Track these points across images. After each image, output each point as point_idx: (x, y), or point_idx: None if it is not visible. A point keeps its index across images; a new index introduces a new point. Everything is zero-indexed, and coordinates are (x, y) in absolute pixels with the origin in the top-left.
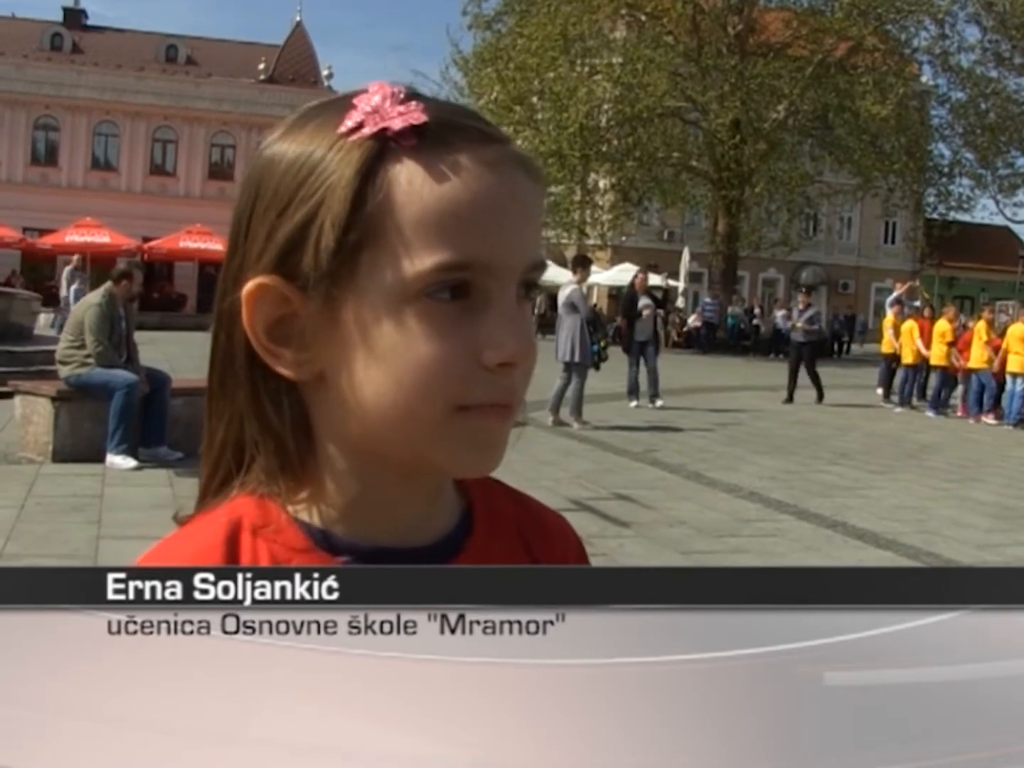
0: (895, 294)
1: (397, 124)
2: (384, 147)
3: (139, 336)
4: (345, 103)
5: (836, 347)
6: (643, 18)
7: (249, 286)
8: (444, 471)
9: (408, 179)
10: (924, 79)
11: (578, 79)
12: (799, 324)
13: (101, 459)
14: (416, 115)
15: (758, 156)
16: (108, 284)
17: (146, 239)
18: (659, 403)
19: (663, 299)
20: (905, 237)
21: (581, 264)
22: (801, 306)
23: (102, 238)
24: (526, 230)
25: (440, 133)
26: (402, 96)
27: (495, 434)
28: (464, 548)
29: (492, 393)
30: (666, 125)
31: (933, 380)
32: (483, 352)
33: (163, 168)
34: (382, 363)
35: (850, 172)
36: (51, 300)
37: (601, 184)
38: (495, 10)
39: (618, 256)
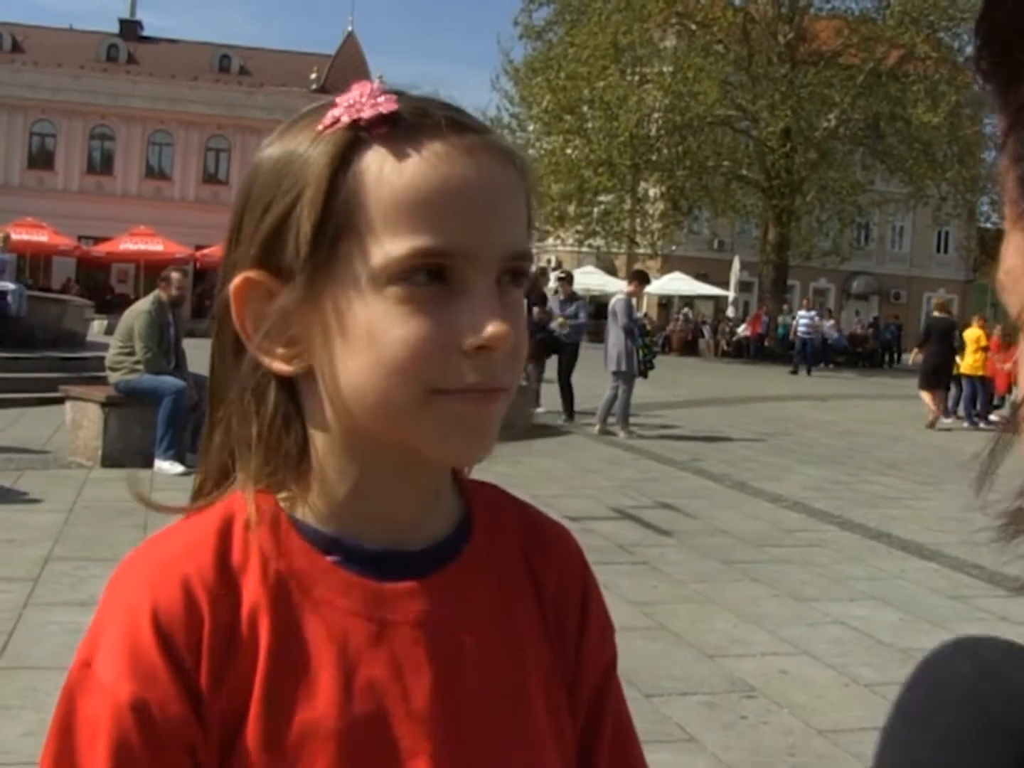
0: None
1: (368, 113)
2: (356, 137)
3: (190, 343)
4: (330, 103)
5: (887, 357)
6: (693, 27)
7: (236, 281)
8: (429, 457)
9: (379, 166)
10: (976, 86)
11: (628, 88)
12: (565, 320)
13: (149, 464)
14: (387, 105)
15: (809, 165)
16: (156, 291)
17: (199, 247)
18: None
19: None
20: (958, 246)
21: (636, 278)
22: (563, 296)
23: (156, 246)
24: (504, 217)
25: (412, 122)
26: (380, 91)
27: (478, 418)
28: (460, 554)
29: (471, 377)
30: (716, 134)
31: (966, 389)
32: (461, 336)
33: (216, 176)
34: (359, 348)
35: (902, 181)
36: (104, 307)
37: (651, 193)
38: (546, 20)
39: (668, 265)
